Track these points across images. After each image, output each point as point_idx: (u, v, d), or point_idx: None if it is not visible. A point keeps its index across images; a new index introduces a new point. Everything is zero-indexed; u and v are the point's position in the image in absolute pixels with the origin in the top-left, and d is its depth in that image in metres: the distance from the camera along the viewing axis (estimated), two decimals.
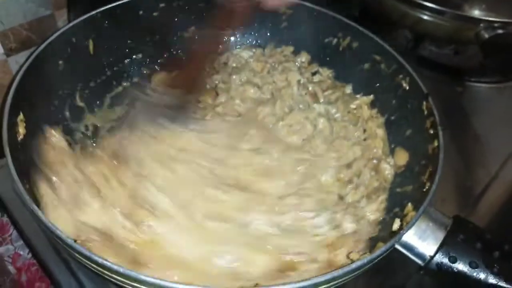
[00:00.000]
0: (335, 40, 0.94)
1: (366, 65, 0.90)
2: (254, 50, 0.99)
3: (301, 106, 0.89)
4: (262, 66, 0.94)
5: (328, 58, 0.96)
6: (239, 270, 0.64)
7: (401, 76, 0.83)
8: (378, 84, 0.89)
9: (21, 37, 0.96)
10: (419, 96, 0.78)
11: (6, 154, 0.63)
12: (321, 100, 0.91)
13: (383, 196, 0.77)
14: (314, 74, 0.97)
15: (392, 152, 0.83)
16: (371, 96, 0.91)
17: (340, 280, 0.57)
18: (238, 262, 0.65)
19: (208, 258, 0.64)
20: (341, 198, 0.77)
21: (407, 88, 0.82)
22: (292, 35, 0.98)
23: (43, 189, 0.67)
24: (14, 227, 0.95)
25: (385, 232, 0.70)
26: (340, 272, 0.55)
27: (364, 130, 0.87)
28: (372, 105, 0.91)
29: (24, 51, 0.98)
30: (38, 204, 0.61)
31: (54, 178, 0.69)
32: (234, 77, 0.92)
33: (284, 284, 0.55)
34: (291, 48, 0.99)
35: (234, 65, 0.97)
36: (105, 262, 0.53)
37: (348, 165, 0.81)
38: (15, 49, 0.96)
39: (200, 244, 0.66)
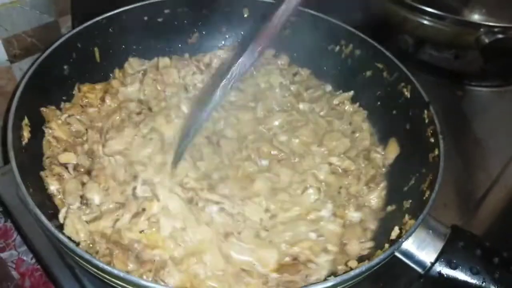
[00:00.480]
0: (337, 48, 0.94)
1: (368, 73, 0.91)
2: (235, 51, 0.99)
3: (284, 107, 0.90)
4: None
5: (330, 65, 0.96)
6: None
7: (402, 84, 0.83)
8: (379, 92, 0.89)
9: (25, 43, 0.96)
10: (420, 105, 0.78)
11: (11, 157, 0.64)
12: (305, 99, 0.92)
13: (383, 184, 0.79)
14: (294, 75, 0.98)
15: (382, 143, 0.86)
16: (351, 92, 0.92)
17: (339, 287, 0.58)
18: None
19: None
20: (343, 189, 0.79)
21: (409, 96, 0.82)
22: (294, 42, 0.98)
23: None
24: (18, 232, 0.96)
25: (390, 220, 0.72)
26: (338, 279, 0.56)
27: (350, 123, 0.89)
28: (354, 100, 0.92)
29: (28, 57, 0.98)
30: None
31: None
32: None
33: None
34: (272, 52, 1.00)
35: (217, 66, 0.97)
36: (105, 266, 0.55)
37: (341, 157, 0.83)
38: (19, 55, 0.97)
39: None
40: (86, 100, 0.85)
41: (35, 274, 0.94)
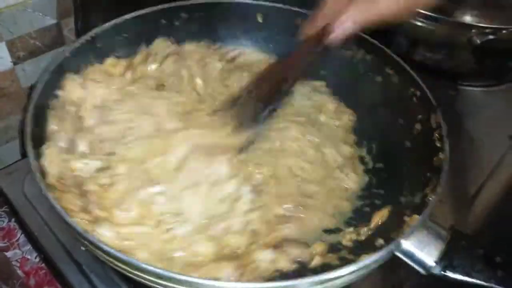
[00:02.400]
0: (349, 52, 0.94)
1: (379, 78, 0.91)
2: (263, 55, 0.99)
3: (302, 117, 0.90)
4: None
5: (339, 70, 0.96)
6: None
7: (412, 89, 0.84)
8: (387, 97, 0.90)
9: (28, 45, 0.98)
10: (428, 109, 0.79)
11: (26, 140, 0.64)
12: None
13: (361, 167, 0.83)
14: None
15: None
16: (323, 82, 0.94)
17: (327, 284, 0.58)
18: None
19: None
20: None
21: (416, 101, 0.83)
22: None
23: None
24: (22, 231, 0.97)
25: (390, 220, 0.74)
26: (332, 275, 0.56)
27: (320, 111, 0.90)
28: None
29: (31, 59, 1.00)
30: None
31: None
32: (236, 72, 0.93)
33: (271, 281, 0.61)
34: None
35: (240, 63, 0.97)
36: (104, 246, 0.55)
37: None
38: (22, 57, 0.98)
39: None
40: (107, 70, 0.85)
41: (40, 273, 0.94)
